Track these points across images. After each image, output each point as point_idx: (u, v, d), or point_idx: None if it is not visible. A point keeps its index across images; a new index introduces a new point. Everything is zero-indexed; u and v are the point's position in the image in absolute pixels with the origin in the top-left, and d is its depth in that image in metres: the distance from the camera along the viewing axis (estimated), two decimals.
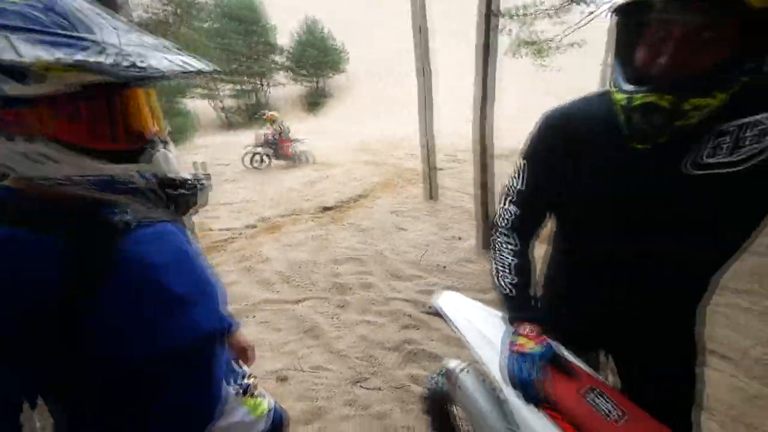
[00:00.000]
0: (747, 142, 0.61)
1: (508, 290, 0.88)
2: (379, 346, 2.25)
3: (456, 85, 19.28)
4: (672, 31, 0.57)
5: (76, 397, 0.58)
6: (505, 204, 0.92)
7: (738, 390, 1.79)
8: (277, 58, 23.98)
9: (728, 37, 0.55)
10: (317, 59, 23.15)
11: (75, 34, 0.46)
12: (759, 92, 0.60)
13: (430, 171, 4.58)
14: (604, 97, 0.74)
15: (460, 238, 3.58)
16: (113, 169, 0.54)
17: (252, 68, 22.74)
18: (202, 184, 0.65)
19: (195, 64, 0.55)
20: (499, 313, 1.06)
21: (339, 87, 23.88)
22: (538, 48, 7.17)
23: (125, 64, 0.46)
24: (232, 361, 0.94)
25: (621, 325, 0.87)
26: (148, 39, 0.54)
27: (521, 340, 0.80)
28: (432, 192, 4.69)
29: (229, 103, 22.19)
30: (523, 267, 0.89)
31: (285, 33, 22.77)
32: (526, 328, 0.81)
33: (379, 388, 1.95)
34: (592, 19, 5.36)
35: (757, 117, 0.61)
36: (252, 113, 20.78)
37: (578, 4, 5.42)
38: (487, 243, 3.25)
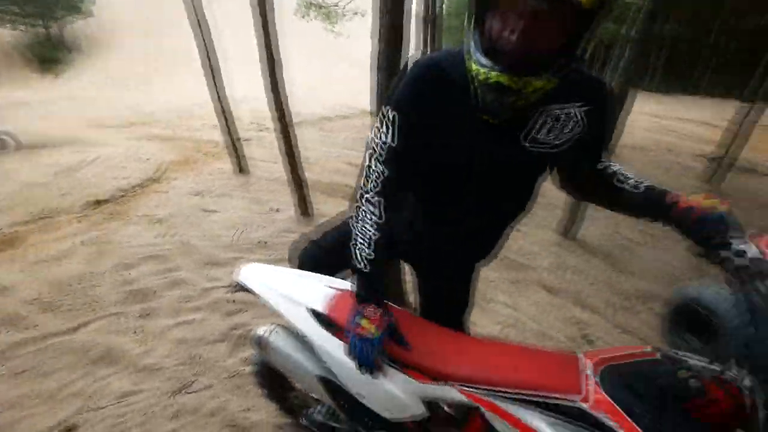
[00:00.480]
0: (561, 127, 0.73)
1: (362, 265, 0.84)
2: (201, 343, 2.04)
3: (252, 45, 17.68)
4: (524, 11, 0.60)
5: None
6: (371, 163, 0.83)
7: None
8: None
9: (567, 28, 0.61)
10: None
11: None
12: (573, 83, 0.71)
13: (234, 142, 4.18)
14: (461, 55, 0.72)
15: (277, 210, 3.51)
16: None
17: None
18: None
19: None
20: (298, 272, 1.13)
21: (90, 37, 17.63)
22: (326, 12, 7.34)
23: None
24: None
25: (440, 251, 1.02)
26: None
27: (364, 323, 0.81)
28: (241, 165, 4.33)
29: None
30: (383, 243, 0.84)
31: None
32: (371, 310, 0.82)
33: (210, 386, 1.80)
34: None
35: (567, 105, 0.72)
36: None
37: None
38: (305, 210, 3.34)
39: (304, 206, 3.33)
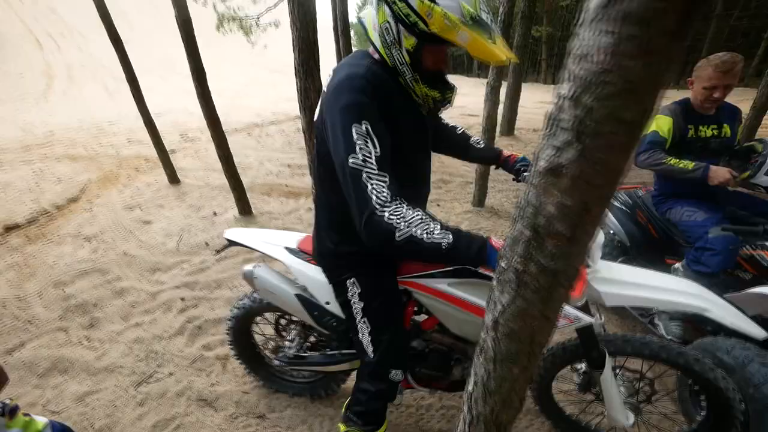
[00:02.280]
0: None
1: (447, 239, 0.81)
2: (157, 339, 2.14)
3: (165, 57, 16.52)
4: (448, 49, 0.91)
5: None
6: (368, 186, 0.81)
7: None
8: None
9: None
10: None
11: None
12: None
13: (166, 153, 4.11)
14: (377, 65, 0.91)
15: (215, 214, 3.59)
16: None
17: None
18: None
19: None
20: (268, 230, 1.50)
21: None
22: (241, 25, 7.34)
23: None
24: None
25: None
26: None
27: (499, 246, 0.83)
28: (172, 176, 4.26)
29: None
30: (429, 215, 0.86)
31: None
32: (494, 240, 0.85)
33: (172, 374, 1.93)
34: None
35: None
36: None
37: None
38: (245, 209, 3.48)
39: (243, 206, 3.47)
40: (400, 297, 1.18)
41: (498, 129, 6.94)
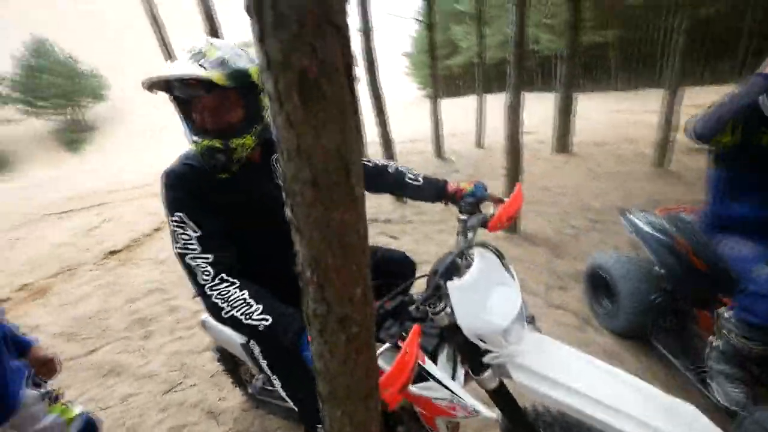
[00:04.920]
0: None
1: (270, 318, 0.82)
2: (189, 354, 2.44)
3: None
4: (201, 99, 0.88)
5: None
6: (193, 264, 0.88)
7: None
8: None
9: (240, 102, 0.91)
10: (63, 87, 18.37)
11: None
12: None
13: None
14: (192, 150, 0.98)
15: None
16: None
17: None
18: None
19: None
20: None
21: (104, 118, 19.82)
22: None
23: None
24: (32, 372, 1.08)
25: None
26: None
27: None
28: None
29: None
30: (258, 292, 0.87)
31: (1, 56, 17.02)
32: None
33: (194, 384, 2.18)
34: None
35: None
36: None
37: None
38: None
39: None
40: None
41: (552, 145, 6.45)
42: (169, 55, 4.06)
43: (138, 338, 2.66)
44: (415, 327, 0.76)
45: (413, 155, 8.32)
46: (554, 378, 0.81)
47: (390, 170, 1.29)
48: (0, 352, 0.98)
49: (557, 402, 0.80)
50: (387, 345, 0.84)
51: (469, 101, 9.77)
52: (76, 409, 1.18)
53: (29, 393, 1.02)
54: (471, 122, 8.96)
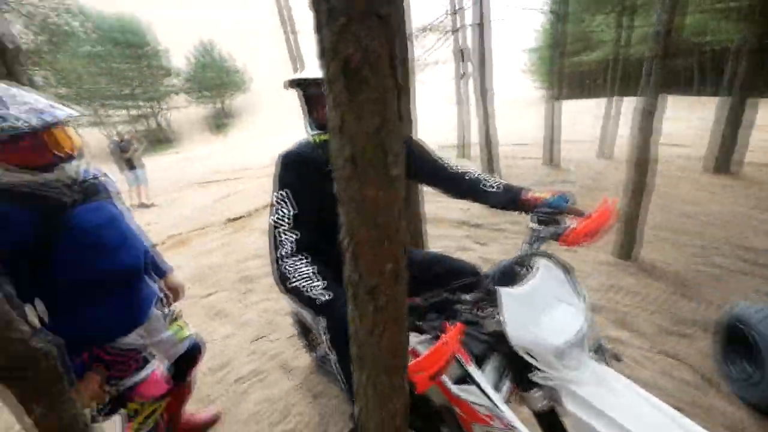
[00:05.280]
0: None
1: (330, 294, 0.91)
2: (277, 313, 2.81)
3: None
4: (320, 98, 1.08)
5: (50, 297, 1.02)
6: (280, 237, 1.01)
7: None
8: (175, 81, 23.06)
9: None
10: (217, 81, 23.25)
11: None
12: None
13: None
14: (309, 140, 1.16)
15: None
16: (41, 176, 0.98)
17: (147, 92, 21.47)
18: (95, 178, 1.17)
19: (59, 113, 0.96)
20: None
21: (243, 107, 23.85)
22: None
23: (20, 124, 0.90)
24: (163, 296, 1.37)
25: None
26: (40, 102, 0.96)
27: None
28: None
29: (124, 129, 20.64)
30: (325, 272, 0.97)
31: (177, 55, 21.97)
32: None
33: (277, 339, 2.51)
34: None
35: None
36: (153, 139, 19.47)
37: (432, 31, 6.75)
38: None
39: None
40: None
41: (707, 163, 5.19)
42: (294, 55, 4.65)
43: (241, 292, 3.17)
44: (459, 324, 0.75)
45: (518, 160, 7.77)
46: (612, 417, 0.71)
47: (467, 177, 1.25)
48: (141, 279, 1.26)
49: None
50: (428, 336, 0.85)
51: (599, 104, 8.59)
52: (188, 332, 1.47)
53: (155, 312, 1.30)
54: (598, 128, 7.91)
